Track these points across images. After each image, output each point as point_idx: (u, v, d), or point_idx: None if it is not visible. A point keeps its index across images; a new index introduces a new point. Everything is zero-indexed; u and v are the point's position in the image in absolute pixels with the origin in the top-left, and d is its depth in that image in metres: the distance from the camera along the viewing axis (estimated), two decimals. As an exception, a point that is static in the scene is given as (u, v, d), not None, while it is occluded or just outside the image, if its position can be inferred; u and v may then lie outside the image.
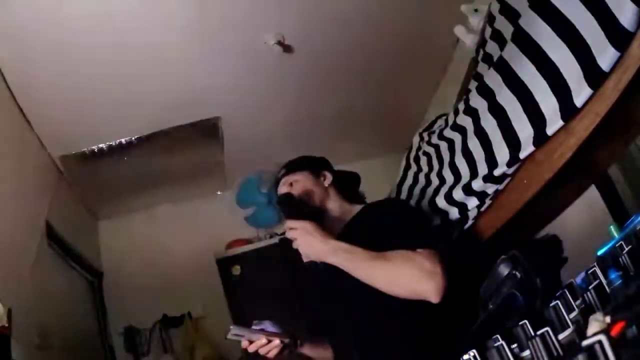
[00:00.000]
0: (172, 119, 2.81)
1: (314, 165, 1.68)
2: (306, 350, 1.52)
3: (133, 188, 3.33)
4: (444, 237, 1.73)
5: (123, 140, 2.84)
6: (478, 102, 1.60)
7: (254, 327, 1.42)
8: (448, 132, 1.85)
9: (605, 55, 1.01)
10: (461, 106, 1.78)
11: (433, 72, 3.02)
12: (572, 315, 0.88)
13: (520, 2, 1.51)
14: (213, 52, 2.41)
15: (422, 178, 1.99)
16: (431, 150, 1.98)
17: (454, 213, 1.69)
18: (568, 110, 1.14)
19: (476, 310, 1.42)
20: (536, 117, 1.26)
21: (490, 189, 1.51)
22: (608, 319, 0.66)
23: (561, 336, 0.81)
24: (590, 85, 1.06)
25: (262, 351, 1.38)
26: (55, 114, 2.46)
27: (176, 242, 3.45)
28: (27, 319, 1.95)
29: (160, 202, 3.56)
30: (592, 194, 1.71)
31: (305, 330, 1.58)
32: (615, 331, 0.63)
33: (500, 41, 1.67)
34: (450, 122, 1.87)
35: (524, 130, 1.31)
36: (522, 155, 1.32)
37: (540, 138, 1.24)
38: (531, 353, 0.75)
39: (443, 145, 1.86)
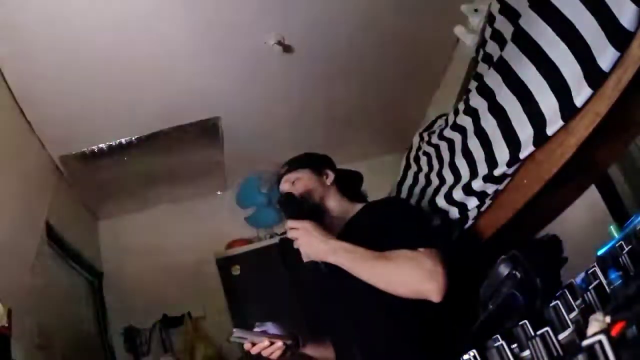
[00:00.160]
0: (172, 119, 2.81)
1: (317, 163, 1.67)
2: (308, 350, 1.52)
3: (133, 188, 3.33)
4: (444, 237, 1.73)
5: (123, 140, 2.84)
6: (478, 102, 1.60)
7: (256, 329, 1.42)
8: (448, 132, 1.85)
9: (605, 55, 1.01)
10: (461, 106, 1.78)
11: (433, 72, 3.02)
12: (572, 315, 0.88)
13: (520, 2, 1.51)
14: (213, 52, 2.41)
15: (422, 178, 1.99)
16: (431, 150, 1.98)
17: (454, 213, 1.69)
18: (568, 110, 1.14)
19: (476, 310, 1.42)
20: (536, 117, 1.26)
21: (490, 189, 1.51)
22: (608, 319, 0.66)
23: (561, 336, 0.81)
24: (590, 85, 1.06)
25: (265, 353, 1.38)
26: (55, 114, 2.46)
27: (176, 242, 3.45)
28: (27, 319, 1.95)
29: (160, 202, 3.56)
30: (592, 194, 1.72)
31: (305, 330, 1.58)
32: (615, 331, 0.63)
33: (500, 41, 1.67)
34: (450, 122, 1.87)
35: (524, 130, 1.31)
36: (522, 155, 1.32)
37: (540, 138, 1.24)
38: (531, 353, 0.75)
39: (443, 145, 1.86)
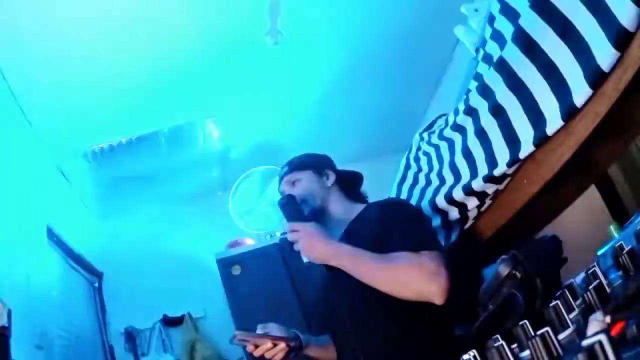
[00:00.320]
0: (172, 118, 2.81)
1: (317, 164, 1.67)
2: (310, 351, 1.51)
3: (133, 188, 3.33)
4: (444, 237, 1.73)
5: (123, 140, 2.84)
6: (478, 102, 1.59)
7: (258, 330, 1.41)
8: (448, 132, 1.85)
9: (605, 55, 1.01)
10: (461, 106, 1.77)
11: (433, 72, 3.02)
12: (572, 315, 0.88)
13: (520, 2, 1.51)
14: (213, 52, 2.41)
15: (422, 178, 1.99)
16: (431, 150, 1.98)
17: (454, 213, 1.68)
18: (568, 110, 1.14)
19: (476, 310, 1.42)
20: (536, 117, 1.26)
21: (490, 189, 1.51)
22: (608, 319, 0.66)
23: (561, 336, 0.81)
24: (590, 85, 1.06)
25: (268, 355, 1.37)
26: (55, 114, 2.46)
27: (176, 242, 3.45)
28: (27, 319, 1.95)
29: (160, 201, 3.56)
30: (592, 194, 1.72)
31: (305, 330, 1.58)
32: (615, 331, 0.63)
33: (500, 41, 1.67)
34: (450, 122, 1.87)
35: (524, 130, 1.31)
36: (522, 155, 1.32)
37: (540, 138, 1.24)
38: (531, 353, 0.75)
39: (443, 145, 1.86)
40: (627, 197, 1.82)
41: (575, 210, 1.57)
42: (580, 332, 0.76)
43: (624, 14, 0.94)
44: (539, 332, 0.75)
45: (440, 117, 2.25)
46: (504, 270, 1.29)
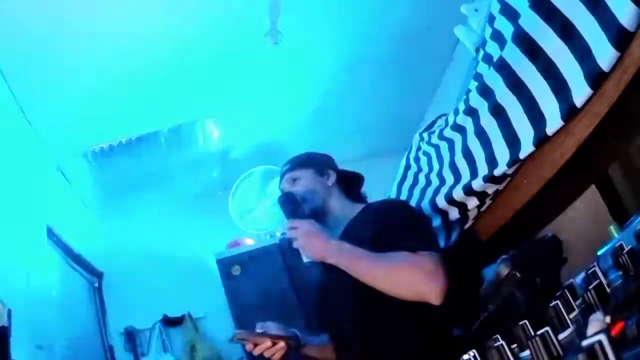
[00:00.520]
0: (172, 118, 2.81)
1: (319, 163, 1.67)
2: (309, 350, 1.52)
3: (133, 188, 3.33)
4: (444, 237, 1.73)
5: (123, 140, 2.84)
6: (478, 102, 1.59)
7: (257, 329, 1.41)
8: (448, 132, 1.85)
9: (605, 55, 1.01)
10: (461, 106, 1.77)
11: (433, 72, 3.02)
12: (572, 315, 0.88)
13: (520, 2, 1.51)
14: (213, 52, 2.41)
15: (422, 178, 1.99)
16: (431, 150, 1.98)
17: (454, 213, 1.68)
18: (568, 110, 1.14)
19: (476, 310, 1.42)
20: (536, 117, 1.26)
21: (490, 189, 1.51)
22: (608, 319, 0.66)
23: (561, 336, 0.81)
24: (590, 85, 1.06)
25: (267, 354, 1.38)
26: (55, 114, 2.46)
27: (176, 242, 3.45)
28: (27, 319, 1.95)
29: (160, 202, 3.56)
30: (592, 194, 1.71)
31: (305, 330, 1.58)
32: (615, 331, 0.63)
33: (500, 41, 1.67)
34: (450, 122, 1.87)
35: (524, 130, 1.31)
36: (522, 155, 1.32)
37: (540, 138, 1.24)
38: (531, 353, 0.75)
39: (443, 145, 1.86)
40: (627, 197, 1.82)
41: (575, 210, 1.57)
42: (580, 332, 0.76)
43: (624, 14, 0.94)
44: (539, 332, 0.75)
45: (440, 117, 2.25)
46: (504, 270, 1.29)
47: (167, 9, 2.11)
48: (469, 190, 1.57)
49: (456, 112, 1.83)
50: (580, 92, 1.09)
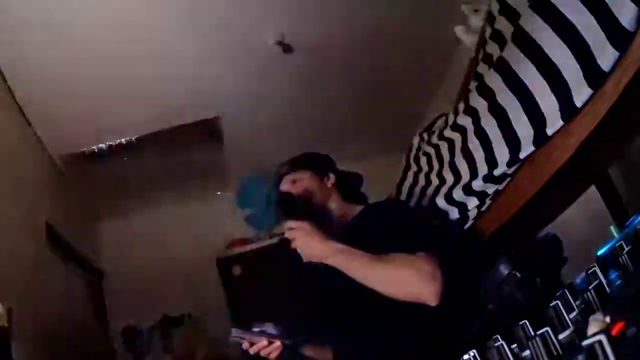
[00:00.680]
0: (172, 118, 2.81)
1: (318, 164, 1.67)
2: (306, 351, 1.52)
3: (133, 188, 3.33)
4: (443, 237, 1.73)
5: (123, 140, 2.85)
6: (478, 102, 1.59)
7: (254, 329, 1.42)
8: (448, 132, 1.85)
9: (605, 55, 1.01)
10: (461, 106, 1.78)
11: (433, 72, 3.02)
12: (572, 315, 0.88)
13: (520, 2, 1.51)
14: (213, 52, 2.41)
15: (422, 178, 1.99)
16: (431, 150, 1.98)
17: (454, 213, 1.68)
18: (568, 110, 1.14)
19: (476, 310, 1.42)
20: (536, 117, 1.26)
21: (490, 189, 1.51)
22: (608, 319, 0.66)
23: (561, 336, 0.81)
24: (590, 85, 1.06)
25: (263, 353, 1.38)
26: (55, 114, 2.46)
27: (176, 242, 3.46)
28: (27, 319, 1.95)
29: (160, 201, 3.56)
30: (592, 194, 1.71)
31: (304, 330, 1.58)
32: (615, 331, 0.63)
33: (500, 41, 1.67)
34: (450, 122, 1.87)
35: (524, 130, 1.31)
36: (522, 155, 1.32)
37: (540, 138, 1.24)
38: (531, 353, 0.75)
39: (443, 145, 1.86)
40: (627, 197, 1.82)
41: (575, 210, 1.57)
42: (580, 332, 0.76)
43: (624, 14, 0.94)
44: (539, 332, 0.75)
45: (440, 117, 2.25)
46: (503, 270, 1.29)
47: (167, 9, 2.11)
48: (469, 190, 1.57)
49: (456, 112, 1.83)
50: (580, 92, 1.09)
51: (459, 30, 2.06)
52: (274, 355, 1.38)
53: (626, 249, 0.95)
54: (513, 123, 1.36)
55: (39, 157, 2.67)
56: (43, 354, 2.08)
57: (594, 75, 1.05)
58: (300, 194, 1.54)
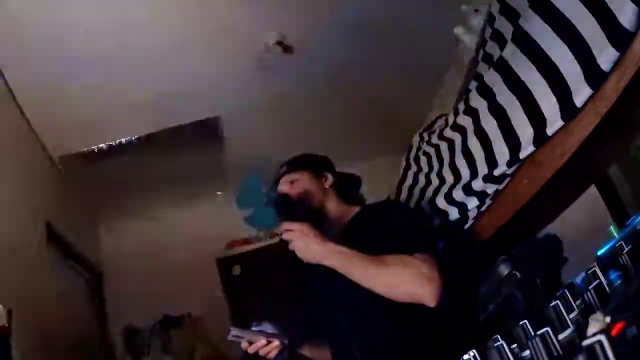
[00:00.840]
0: (172, 119, 2.81)
1: (316, 165, 1.67)
2: (305, 351, 1.52)
3: (133, 188, 3.33)
4: (443, 238, 1.73)
5: (123, 140, 2.84)
6: (478, 102, 1.60)
7: (253, 328, 1.42)
8: (448, 132, 1.85)
9: (605, 55, 1.01)
10: (461, 106, 1.78)
11: (433, 72, 3.02)
12: (572, 315, 0.88)
13: (520, 2, 1.51)
14: (213, 51, 2.41)
15: (422, 178, 1.99)
16: (431, 150, 1.98)
17: (454, 213, 1.69)
18: (568, 110, 1.14)
19: (476, 310, 1.42)
20: (536, 117, 1.26)
21: (490, 189, 1.51)
22: (608, 319, 0.66)
23: (561, 336, 0.81)
24: (590, 85, 1.06)
25: (262, 352, 1.38)
26: (55, 113, 2.46)
27: (176, 242, 3.45)
28: (27, 319, 1.95)
29: (160, 202, 3.56)
30: (592, 194, 1.71)
31: (304, 330, 1.58)
32: (615, 331, 0.63)
33: (500, 41, 1.67)
34: (450, 122, 1.87)
35: (524, 130, 1.31)
36: (522, 155, 1.32)
37: (540, 138, 1.24)
38: (531, 353, 0.75)
39: (443, 145, 1.86)
40: (627, 197, 1.82)
41: (575, 210, 1.57)
42: (580, 332, 0.76)
43: (624, 14, 0.94)
44: (539, 332, 0.75)
45: (440, 117, 2.26)
46: (503, 270, 1.29)
47: (166, 10, 2.11)
48: (468, 190, 1.57)
49: (456, 112, 1.83)
50: (580, 92, 1.09)
51: (459, 30, 2.06)
52: (272, 354, 1.38)
53: (626, 249, 0.95)
54: (513, 123, 1.36)
55: (39, 157, 2.66)
56: (43, 355, 2.08)
57: (594, 75, 1.05)
58: (298, 195, 1.54)
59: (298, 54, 2.55)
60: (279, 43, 2.41)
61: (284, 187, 1.61)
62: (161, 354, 3.18)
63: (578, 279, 1.07)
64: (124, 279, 3.34)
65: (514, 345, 0.86)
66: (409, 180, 2.12)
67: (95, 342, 3.09)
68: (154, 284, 3.28)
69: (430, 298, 1.21)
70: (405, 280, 1.24)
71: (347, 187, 1.69)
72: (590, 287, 0.88)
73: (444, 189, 1.74)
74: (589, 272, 0.95)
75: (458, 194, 1.63)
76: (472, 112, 1.62)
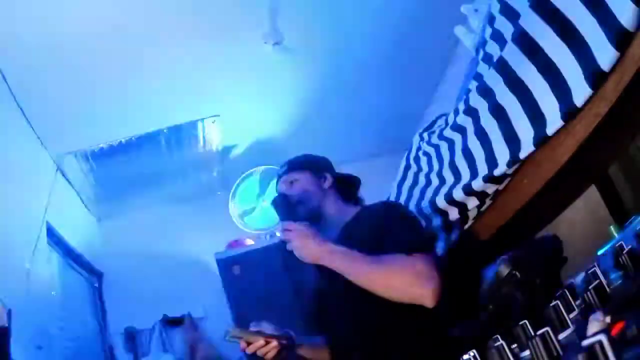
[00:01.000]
0: (172, 118, 2.81)
1: (316, 166, 1.67)
2: (304, 351, 1.52)
3: (133, 188, 3.33)
4: (444, 238, 1.73)
5: (123, 140, 2.84)
6: (478, 102, 1.59)
7: (251, 328, 1.42)
8: (448, 132, 1.85)
9: (605, 55, 1.01)
10: (461, 106, 1.78)
11: (433, 72, 3.02)
12: (572, 315, 0.88)
13: (520, 2, 1.51)
14: (213, 51, 2.41)
15: (422, 178, 1.99)
16: (431, 150, 1.98)
17: (454, 213, 1.68)
18: (568, 110, 1.14)
19: (476, 310, 1.42)
20: (536, 117, 1.26)
21: (490, 189, 1.51)
22: (608, 319, 0.66)
23: (561, 336, 0.81)
24: (590, 85, 1.06)
25: (260, 352, 1.38)
26: (55, 113, 2.46)
27: (176, 242, 3.45)
28: (27, 319, 1.95)
29: (160, 201, 3.56)
30: (592, 194, 1.71)
31: (303, 330, 1.58)
32: (615, 331, 0.63)
33: (500, 41, 1.67)
34: (450, 122, 1.87)
35: (524, 130, 1.31)
36: (522, 155, 1.32)
37: (540, 138, 1.24)
38: (531, 353, 0.75)
39: (443, 145, 1.86)
40: (627, 197, 1.82)
41: (575, 210, 1.57)
42: (580, 332, 0.76)
43: (624, 14, 0.94)
44: (539, 332, 0.75)
45: (440, 117, 2.25)
46: (503, 270, 1.29)
47: (167, 9, 2.11)
48: (469, 190, 1.57)
49: (456, 112, 1.83)
50: (580, 92, 1.09)
51: (459, 30, 2.06)
52: (271, 355, 1.38)
53: (626, 249, 0.95)
54: (513, 123, 1.36)
55: (38, 156, 2.66)
56: (43, 354, 2.08)
57: (594, 75, 1.05)
58: (297, 196, 1.54)
59: (298, 54, 2.55)
60: (279, 43, 2.41)
61: (283, 187, 1.62)
62: (161, 354, 3.18)
63: (578, 279, 1.07)
64: (124, 279, 3.34)
65: (514, 345, 0.86)
66: (408, 181, 2.12)
67: (95, 342, 3.09)
68: (154, 284, 3.28)
69: (428, 298, 1.21)
70: (404, 281, 1.24)
71: (346, 187, 1.69)
72: (590, 287, 0.88)
73: (444, 189, 1.73)
74: (589, 272, 0.95)
75: (458, 194, 1.63)
76: (472, 112, 1.62)
